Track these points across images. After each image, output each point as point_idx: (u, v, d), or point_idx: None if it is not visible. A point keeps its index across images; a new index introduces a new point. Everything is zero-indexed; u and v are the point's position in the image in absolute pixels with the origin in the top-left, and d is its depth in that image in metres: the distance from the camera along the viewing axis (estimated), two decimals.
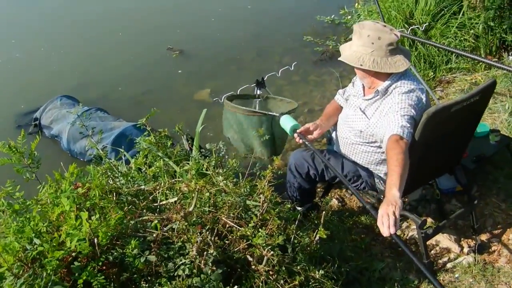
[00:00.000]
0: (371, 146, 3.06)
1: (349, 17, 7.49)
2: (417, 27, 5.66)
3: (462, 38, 5.75)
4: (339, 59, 3.02)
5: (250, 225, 2.32)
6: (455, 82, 5.52)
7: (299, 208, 3.63)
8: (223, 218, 2.45)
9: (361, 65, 2.87)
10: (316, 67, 6.69)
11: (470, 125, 3.03)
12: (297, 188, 3.50)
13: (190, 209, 2.37)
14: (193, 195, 2.37)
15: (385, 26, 2.86)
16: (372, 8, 6.77)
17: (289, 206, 2.77)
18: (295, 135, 3.14)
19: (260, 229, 2.32)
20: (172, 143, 4.33)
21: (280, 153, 4.11)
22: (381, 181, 3.15)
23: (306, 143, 3.07)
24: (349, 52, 2.96)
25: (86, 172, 3.17)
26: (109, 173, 3.12)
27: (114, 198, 2.68)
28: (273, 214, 2.41)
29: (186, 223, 2.37)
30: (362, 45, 2.87)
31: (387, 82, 2.90)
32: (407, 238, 3.56)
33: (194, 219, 2.44)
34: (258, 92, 4.50)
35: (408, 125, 2.64)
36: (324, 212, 2.52)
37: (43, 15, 8.85)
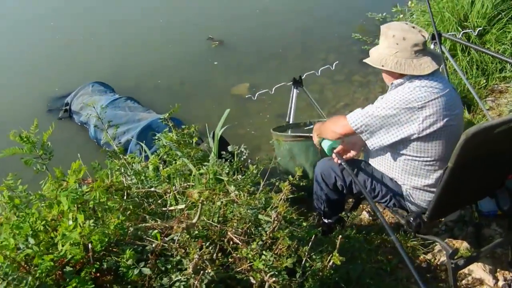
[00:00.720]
0: (388, 151, 2.92)
1: (401, 15, 7.16)
2: (471, 31, 5.33)
3: None
4: (363, 61, 2.92)
5: (252, 246, 2.11)
6: (508, 92, 5.17)
7: (326, 221, 3.45)
8: (229, 233, 2.26)
9: (382, 66, 2.74)
10: (362, 66, 6.41)
11: None
12: (324, 200, 3.29)
13: (194, 221, 2.19)
14: (198, 206, 2.17)
15: (413, 27, 2.69)
16: (426, 7, 6.45)
17: (305, 224, 2.56)
18: (333, 155, 3.01)
19: (264, 252, 2.11)
20: (201, 139, 4.18)
21: None
22: (410, 197, 2.92)
23: (343, 164, 2.90)
24: (375, 55, 2.81)
25: (105, 165, 3.07)
26: (122, 170, 2.98)
27: (124, 198, 2.53)
28: (282, 234, 2.19)
29: (187, 236, 2.19)
30: (387, 46, 2.71)
31: (404, 79, 2.74)
32: (438, 263, 3.30)
33: (196, 232, 2.26)
34: (295, 92, 4.31)
35: (362, 118, 2.70)
36: (340, 236, 2.29)
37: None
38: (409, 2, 6.78)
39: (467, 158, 2.35)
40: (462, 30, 5.39)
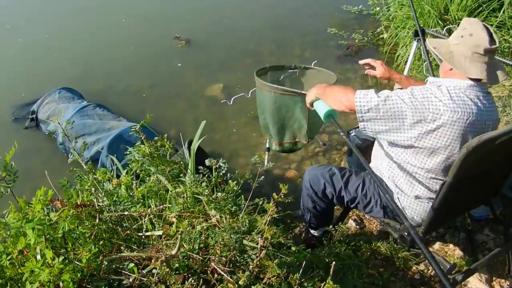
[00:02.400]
0: (391, 154, 2.73)
1: (378, 8, 7.08)
2: (454, 26, 5.22)
3: (501, 39, 5.31)
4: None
5: (240, 281, 1.96)
6: (492, 88, 5.08)
7: (313, 232, 3.33)
8: (212, 264, 2.11)
9: (434, 47, 2.55)
10: (339, 62, 6.34)
11: None
12: (311, 208, 3.17)
13: (173, 252, 2.03)
14: (177, 237, 2.02)
15: (488, 29, 2.41)
16: (404, 0, 6.34)
17: (294, 248, 2.42)
18: (331, 121, 2.72)
19: (252, 286, 1.96)
20: (175, 148, 4.01)
21: (313, 138, 3.75)
22: (407, 208, 2.77)
23: (342, 134, 2.58)
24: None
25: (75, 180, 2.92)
26: (93, 191, 2.81)
27: (96, 222, 2.36)
28: (271, 265, 2.05)
29: (167, 269, 2.04)
30: (454, 36, 2.51)
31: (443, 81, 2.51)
32: (432, 274, 3.18)
33: (176, 264, 2.11)
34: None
35: (370, 97, 2.45)
36: (334, 262, 2.15)
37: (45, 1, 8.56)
38: None
39: (466, 172, 2.24)
40: (443, 23, 5.30)
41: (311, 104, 2.89)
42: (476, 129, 2.39)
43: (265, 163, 4.39)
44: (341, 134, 2.58)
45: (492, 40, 2.38)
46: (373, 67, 3.19)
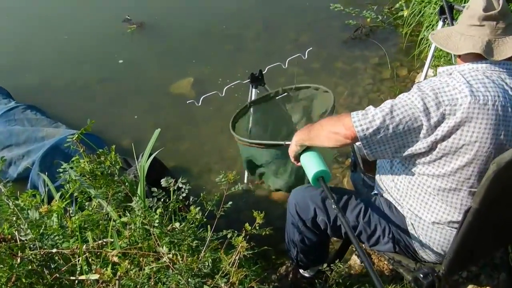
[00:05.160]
0: (400, 169, 2.70)
1: None
2: None
3: None
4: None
5: None
6: None
7: (303, 272, 3.30)
8: None
9: (433, 33, 2.65)
10: (346, 49, 6.32)
11: None
12: (298, 241, 3.11)
13: None
14: (114, 283, 2.01)
15: None
16: None
17: None
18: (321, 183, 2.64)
19: None
20: (127, 162, 4.00)
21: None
22: (423, 239, 2.73)
23: (332, 201, 2.52)
24: None
25: None
26: (14, 220, 2.79)
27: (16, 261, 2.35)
28: None
29: None
30: None
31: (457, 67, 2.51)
32: None
33: None
34: (254, 91, 4.09)
35: (373, 116, 2.39)
36: None
37: None
38: None
39: (496, 194, 2.22)
40: None
41: (297, 159, 2.87)
42: (507, 117, 2.35)
43: (245, 182, 4.38)
44: (333, 206, 2.52)
45: (489, 5, 2.38)
46: None
